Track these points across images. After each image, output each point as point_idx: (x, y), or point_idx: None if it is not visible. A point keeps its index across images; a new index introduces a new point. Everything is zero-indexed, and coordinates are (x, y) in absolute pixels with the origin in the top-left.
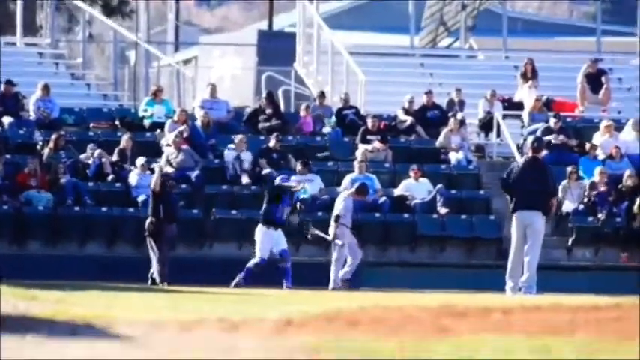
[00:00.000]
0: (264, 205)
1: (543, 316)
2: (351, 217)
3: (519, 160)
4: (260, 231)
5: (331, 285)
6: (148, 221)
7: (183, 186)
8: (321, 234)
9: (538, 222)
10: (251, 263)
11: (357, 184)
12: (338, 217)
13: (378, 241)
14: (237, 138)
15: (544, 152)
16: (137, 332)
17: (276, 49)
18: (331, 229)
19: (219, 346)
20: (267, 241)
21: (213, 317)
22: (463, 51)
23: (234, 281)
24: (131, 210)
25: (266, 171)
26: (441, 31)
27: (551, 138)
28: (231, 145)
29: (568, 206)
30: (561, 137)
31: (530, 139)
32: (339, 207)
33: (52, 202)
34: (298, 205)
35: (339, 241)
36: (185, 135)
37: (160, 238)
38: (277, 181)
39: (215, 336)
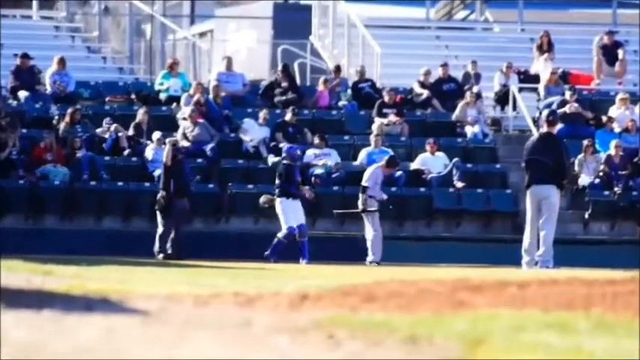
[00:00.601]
0: (277, 181)
1: (559, 291)
2: (380, 189)
3: (533, 136)
4: (281, 204)
5: (370, 258)
6: (158, 195)
7: (199, 160)
8: (347, 211)
9: (553, 196)
10: (280, 235)
11: (387, 157)
12: (365, 188)
13: (394, 216)
14: (262, 112)
15: (559, 125)
16: (153, 307)
17: (291, 21)
18: (360, 201)
19: (235, 320)
20: (290, 210)
21: (228, 292)
22: (479, 23)
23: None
24: (147, 184)
25: (282, 145)
26: (457, 4)
27: (565, 108)
28: (249, 120)
29: (584, 180)
30: (575, 105)
31: (545, 112)
32: (366, 177)
33: (68, 177)
34: (313, 180)
35: (371, 207)
36: (202, 104)
37: (169, 213)
38: (291, 156)
39: (230, 310)
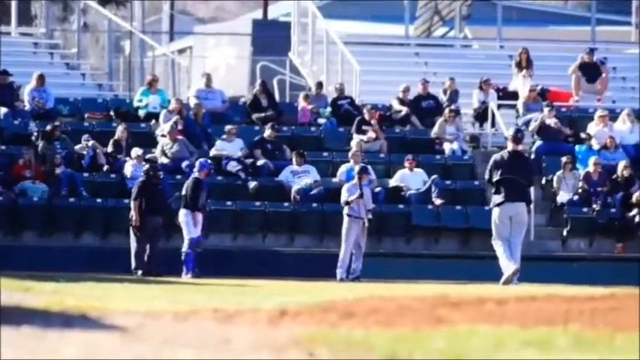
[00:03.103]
0: (189, 193)
1: (538, 307)
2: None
3: (501, 153)
4: (185, 216)
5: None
6: (130, 213)
7: (178, 177)
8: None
9: (524, 213)
10: (184, 249)
11: (357, 167)
12: (347, 202)
13: (373, 232)
14: (228, 127)
15: (538, 142)
16: (132, 323)
17: (271, 38)
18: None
19: (214, 336)
20: (191, 223)
21: (207, 308)
22: (458, 40)
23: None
24: (126, 201)
25: (261, 162)
26: (436, 21)
27: (546, 120)
28: (223, 136)
29: (563, 197)
30: (555, 121)
31: (512, 130)
32: (344, 194)
33: (47, 193)
34: (292, 197)
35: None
36: (180, 126)
37: (142, 230)
38: (195, 168)
39: (210, 326)
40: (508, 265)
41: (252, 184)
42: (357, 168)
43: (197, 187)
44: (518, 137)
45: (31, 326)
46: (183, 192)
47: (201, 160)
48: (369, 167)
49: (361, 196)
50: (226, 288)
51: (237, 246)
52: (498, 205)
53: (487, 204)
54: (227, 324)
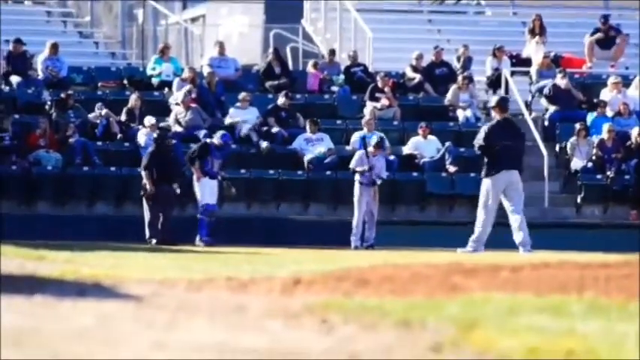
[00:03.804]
0: (194, 153)
1: (552, 274)
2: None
3: (491, 122)
4: (198, 182)
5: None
6: (142, 182)
7: (192, 145)
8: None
9: (519, 181)
10: (199, 215)
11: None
12: (354, 171)
13: (387, 200)
14: (241, 95)
15: (553, 108)
16: (146, 292)
17: (283, 6)
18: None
19: (228, 304)
20: (206, 189)
21: (221, 276)
22: (471, 7)
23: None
24: (139, 169)
25: (274, 129)
26: None
27: (558, 82)
28: (237, 103)
29: (577, 163)
30: (566, 82)
31: (495, 99)
32: (353, 161)
33: (61, 162)
34: (306, 165)
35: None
36: (193, 95)
37: (155, 199)
38: (217, 138)
39: (224, 295)
40: (473, 244)
41: (263, 145)
42: (374, 138)
43: (203, 149)
44: (503, 106)
45: (44, 295)
46: (190, 152)
47: (224, 132)
48: (385, 139)
49: (371, 168)
50: (240, 256)
51: (251, 214)
52: (494, 173)
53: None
54: (241, 292)
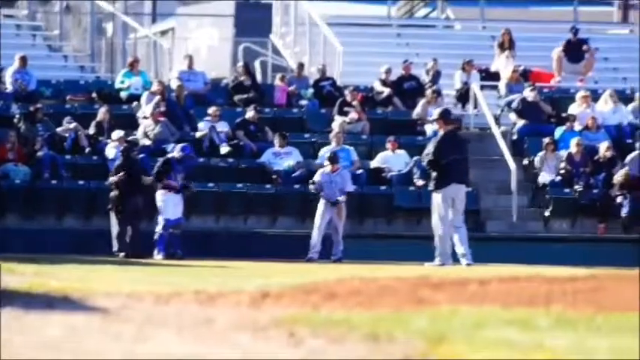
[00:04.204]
0: (157, 169)
1: (520, 288)
2: (334, 190)
3: (440, 135)
4: (161, 196)
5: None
6: (110, 194)
7: (160, 158)
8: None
9: (464, 194)
10: (158, 229)
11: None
12: (316, 189)
13: (355, 214)
14: (212, 109)
15: (522, 122)
16: (114, 304)
17: (253, 20)
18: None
19: (196, 317)
20: (169, 204)
21: (189, 290)
22: (440, 21)
23: None
24: (107, 183)
25: (243, 143)
26: (417, 1)
27: (526, 95)
28: (207, 117)
29: (545, 177)
30: (534, 95)
31: (438, 111)
32: (316, 176)
33: (29, 176)
34: (274, 177)
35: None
36: (162, 108)
37: (123, 212)
38: (177, 151)
39: (192, 308)
40: (446, 255)
41: (224, 149)
42: (327, 155)
43: (165, 164)
44: (446, 118)
45: (13, 308)
46: (155, 169)
47: (184, 144)
48: (351, 149)
49: (319, 188)
50: (209, 270)
51: (219, 227)
52: (443, 187)
53: (469, 185)
54: (209, 305)
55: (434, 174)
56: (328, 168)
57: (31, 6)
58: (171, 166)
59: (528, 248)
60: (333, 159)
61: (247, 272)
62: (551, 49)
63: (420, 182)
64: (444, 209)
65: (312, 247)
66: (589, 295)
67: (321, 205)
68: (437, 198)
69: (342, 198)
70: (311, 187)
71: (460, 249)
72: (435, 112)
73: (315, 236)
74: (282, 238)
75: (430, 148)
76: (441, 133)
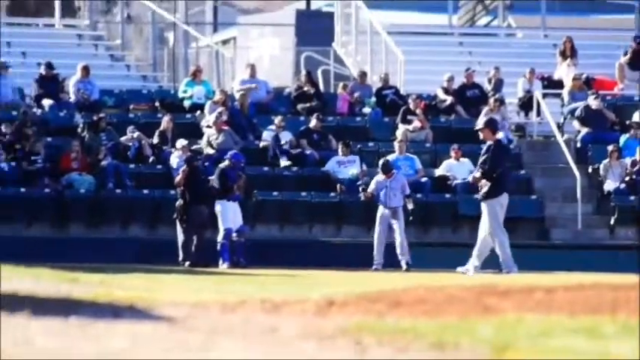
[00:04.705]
0: (216, 183)
1: (585, 296)
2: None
3: (491, 145)
4: (220, 206)
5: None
6: (176, 204)
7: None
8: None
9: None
10: (219, 238)
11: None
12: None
13: (420, 222)
14: (277, 119)
15: (585, 130)
16: (179, 314)
17: (314, 29)
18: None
19: (261, 326)
20: (228, 212)
21: (255, 298)
22: (502, 29)
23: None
24: (172, 192)
25: (307, 152)
26: (479, 10)
27: (590, 103)
28: (271, 126)
29: (610, 185)
30: (598, 103)
31: (483, 120)
32: (371, 185)
33: (94, 185)
34: (338, 186)
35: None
36: (225, 117)
37: (188, 221)
38: (228, 159)
39: (257, 317)
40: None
41: (284, 162)
42: (380, 162)
43: (222, 176)
44: (493, 127)
45: (79, 317)
46: (217, 186)
47: (233, 152)
48: (414, 158)
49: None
50: (274, 278)
51: (284, 236)
52: (498, 195)
53: (533, 193)
54: (274, 314)
55: (488, 183)
56: (382, 176)
57: (93, 16)
58: (227, 177)
59: (593, 256)
60: (385, 168)
61: (312, 281)
62: (612, 56)
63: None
64: (499, 217)
65: (375, 258)
66: None
67: (379, 212)
68: (495, 206)
69: (410, 204)
70: (361, 195)
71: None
72: (479, 121)
73: (376, 246)
74: (346, 246)
75: (494, 155)
76: (491, 142)
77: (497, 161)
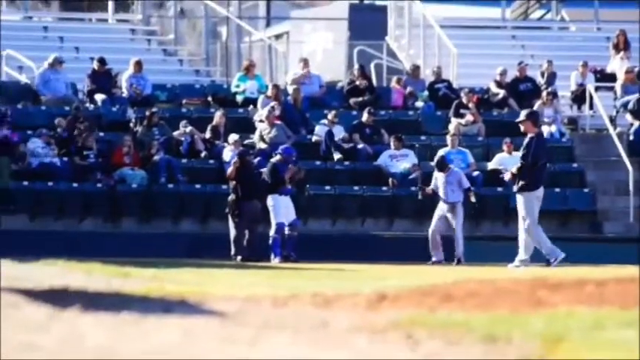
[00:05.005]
0: (269, 178)
1: (637, 288)
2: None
3: (533, 137)
4: (272, 200)
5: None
6: (228, 198)
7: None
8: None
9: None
10: (272, 233)
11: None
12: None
13: (472, 215)
14: (330, 114)
15: (638, 123)
16: (231, 308)
17: (367, 22)
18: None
19: (313, 320)
20: (280, 207)
21: (306, 293)
22: (555, 22)
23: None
24: (224, 187)
25: (360, 146)
26: (533, 3)
27: None
28: (324, 121)
29: None
30: None
31: (525, 112)
32: (433, 180)
33: (146, 180)
34: (390, 181)
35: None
36: (277, 112)
37: (240, 215)
38: (279, 154)
39: (309, 311)
40: (554, 249)
41: (337, 156)
42: (435, 159)
43: (274, 171)
44: (535, 120)
45: (130, 312)
46: (269, 180)
47: (284, 146)
48: (467, 151)
49: (432, 192)
50: (325, 272)
51: (336, 230)
52: (536, 189)
53: (586, 186)
54: (326, 308)
55: (525, 175)
56: (439, 172)
57: (146, 10)
58: (278, 171)
59: None
60: (441, 165)
61: (364, 275)
62: None
63: None
64: (536, 211)
65: (432, 252)
66: None
67: (438, 207)
68: (530, 199)
69: (472, 197)
70: (419, 194)
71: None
72: (522, 114)
73: (431, 240)
74: (399, 240)
75: (527, 149)
76: (533, 134)
77: (539, 154)
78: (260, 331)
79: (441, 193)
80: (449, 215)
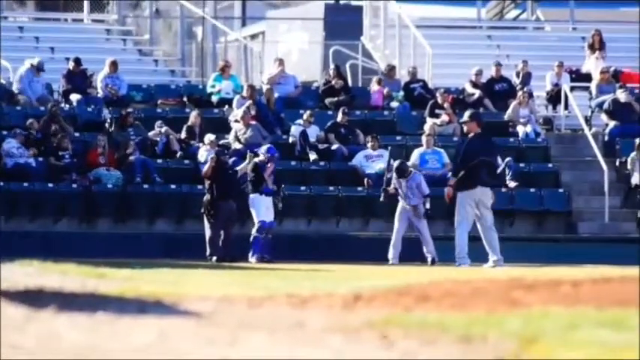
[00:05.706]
0: (250, 177)
1: (612, 288)
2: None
3: (470, 137)
4: (253, 200)
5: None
6: (204, 199)
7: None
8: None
9: (490, 196)
10: (254, 232)
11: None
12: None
13: (447, 215)
14: (306, 114)
15: (613, 123)
16: (206, 308)
17: (343, 22)
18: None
19: (288, 321)
20: (261, 206)
21: (282, 293)
22: (530, 22)
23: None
24: (200, 187)
25: (335, 146)
26: (508, 3)
27: (618, 97)
28: (299, 121)
29: (637, 178)
30: (626, 96)
31: (468, 113)
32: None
33: (121, 180)
34: (366, 181)
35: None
36: (252, 112)
37: (215, 216)
38: (263, 153)
39: (284, 311)
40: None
41: (313, 156)
42: (395, 165)
43: (256, 171)
44: (478, 120)
45: (105, 312)
46: (248, 178)
47: (269, 146)
48: (442, 152)
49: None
50: (301, 273)
51: (311, 230)
52: (470, 188)
53: (561, 186)
54: (301, 309)
55: (460, 175)
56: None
57: (121, 11)
58: (260, 171)
59: (620, 249)
60: (400, 172)
61: (339, 275)
62: None
63: (512, 184)
64: (468, 211)
65: (392, 247)
66: None
67: (398, 208)
68: (462, 198)
69: (427, 205)
70: (381, 195)
71: (494, 257)
72: (465, 114)
73: (396, 238)
74: (374, 241)
75: (463, 148)
76: (473, 135)
77: (470, 154)
78: (236, 332)
79: (401, 196)
80: (413, 218)
